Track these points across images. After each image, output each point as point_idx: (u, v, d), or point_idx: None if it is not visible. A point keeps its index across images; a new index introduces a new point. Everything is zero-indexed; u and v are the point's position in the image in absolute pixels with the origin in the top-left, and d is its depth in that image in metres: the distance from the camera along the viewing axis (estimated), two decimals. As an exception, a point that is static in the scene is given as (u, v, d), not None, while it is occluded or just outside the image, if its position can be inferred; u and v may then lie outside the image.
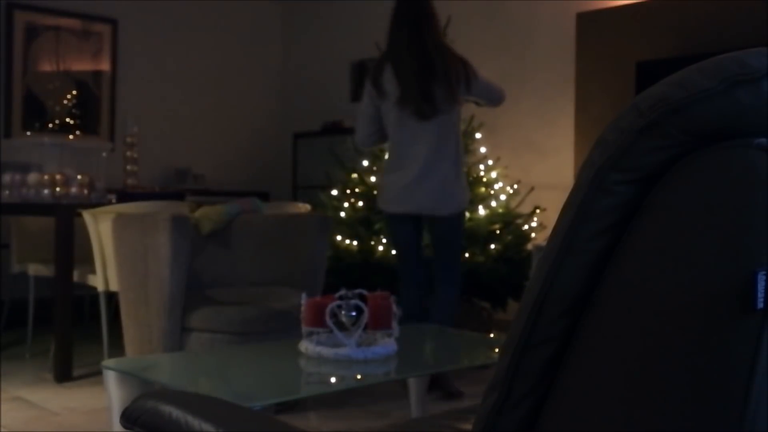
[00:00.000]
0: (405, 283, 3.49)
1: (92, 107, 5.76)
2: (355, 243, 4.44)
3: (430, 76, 3.27)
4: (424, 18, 3.32)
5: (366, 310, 2.11)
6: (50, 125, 5.57)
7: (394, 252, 3.58)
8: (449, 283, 3.44)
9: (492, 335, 3.59)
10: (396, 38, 3.35)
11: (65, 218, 3.65)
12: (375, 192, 4.00)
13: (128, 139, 4.90)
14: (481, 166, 4.49)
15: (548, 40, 4.87)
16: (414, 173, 3.30)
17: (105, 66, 5.84)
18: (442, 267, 3.45)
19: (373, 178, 4.53)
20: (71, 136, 5.58)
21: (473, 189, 4.32)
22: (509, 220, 4.38)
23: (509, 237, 4.32)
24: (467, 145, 4.57)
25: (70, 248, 3.63)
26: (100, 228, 3.64)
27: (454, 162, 3.35)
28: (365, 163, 4.64)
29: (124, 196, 4.47)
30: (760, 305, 0.68)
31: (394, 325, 2.15)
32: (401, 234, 3.45)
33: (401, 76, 3.29)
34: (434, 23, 3.36)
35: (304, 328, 2.12)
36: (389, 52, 3.38)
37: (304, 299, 2.16)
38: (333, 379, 2.00)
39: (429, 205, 3.33)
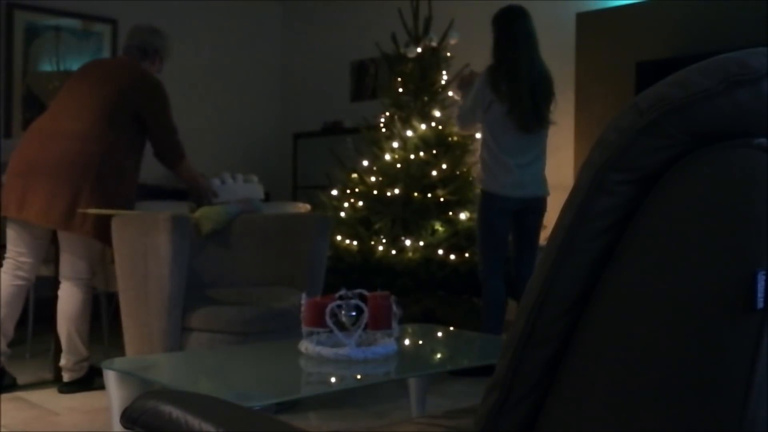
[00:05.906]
0: (495, 272, 3.71)
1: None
2: (355, 243, 4.43)
3: (541, 97, 3.70)
4: (536, 41, 3.72)
5: (366, 310, 2.11)
6: (50, 125, 5.56)
7: (483, 243, 3.75)
8: (534, 259, 3.80)
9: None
10: (517, 57, 3.66)
11: (65, 218, 3.63)
12: (368, 187, 3.96)
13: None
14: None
15: (548, 40, 4.85)
16: (518, 168, 3.68)
17: (105, 66, 5.84)
18: (531, 255, 3.78)
19: (372, 178, 4.53)
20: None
21: (474, 189, 4.32)
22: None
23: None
24: (467, 145, 4.56)
25: (70, 248, 3.62)
26: (100, 228, 3.63)
27: (543, 164, 3.81)
28: (365, 163, 4.64)
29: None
30: (760, 305, 0.68)
31: (394, 325, 2.15)
32: (502, 222, 3.71)
33: (516, 91, 3.64)
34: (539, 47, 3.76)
35: (304, 328, 2.12)
36: (507, 68, 3.67)
37: (304, 299, 2.16)
38: (333, 379, 2.00)
39: (534, 188, 3.70)
